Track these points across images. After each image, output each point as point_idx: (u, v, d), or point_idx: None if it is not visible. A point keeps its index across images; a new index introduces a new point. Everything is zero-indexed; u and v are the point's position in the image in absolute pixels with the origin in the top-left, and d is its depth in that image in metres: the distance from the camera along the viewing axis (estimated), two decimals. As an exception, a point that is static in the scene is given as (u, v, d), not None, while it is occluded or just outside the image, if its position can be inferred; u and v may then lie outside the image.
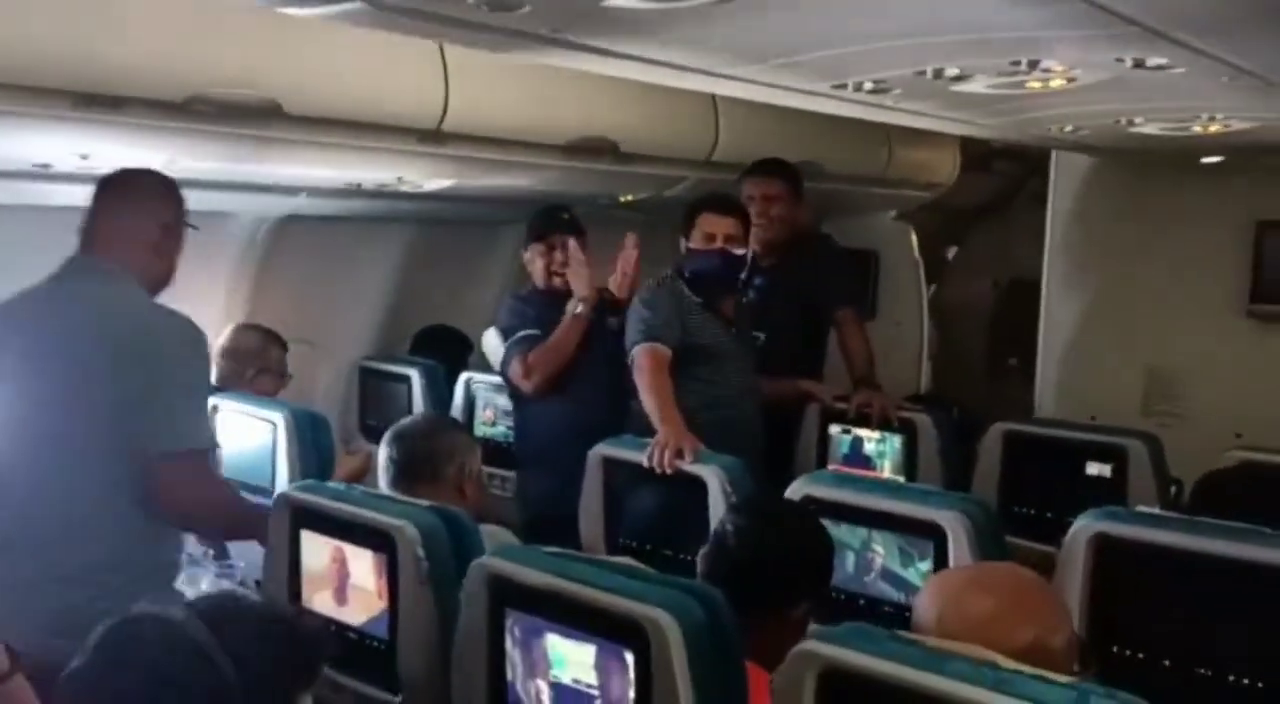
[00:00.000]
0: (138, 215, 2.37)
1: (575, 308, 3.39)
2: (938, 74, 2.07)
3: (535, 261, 3.57)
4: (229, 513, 2.38)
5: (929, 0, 1.54)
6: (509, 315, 3.51)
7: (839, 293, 3.84)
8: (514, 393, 3.59)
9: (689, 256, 3.35)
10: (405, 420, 2.64)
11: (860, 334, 3.78)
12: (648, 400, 2.99)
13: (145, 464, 2.17)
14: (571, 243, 3.46)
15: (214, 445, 2.45)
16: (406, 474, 2.45)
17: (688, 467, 2.63)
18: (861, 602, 2.33)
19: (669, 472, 2.64)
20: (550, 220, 3.57)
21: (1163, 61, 1.90)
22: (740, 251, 3.34)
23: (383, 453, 2.51)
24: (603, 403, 3.35)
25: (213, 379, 3.18)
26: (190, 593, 2.31)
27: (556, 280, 3.53)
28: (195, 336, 2.29)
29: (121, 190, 2.39)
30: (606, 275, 3.54)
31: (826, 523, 2.31)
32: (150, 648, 1.21)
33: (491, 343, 3.58)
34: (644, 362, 3.10)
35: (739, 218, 3.46)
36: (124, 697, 1.19)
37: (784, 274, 3.76)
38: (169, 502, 2.20)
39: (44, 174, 2.78)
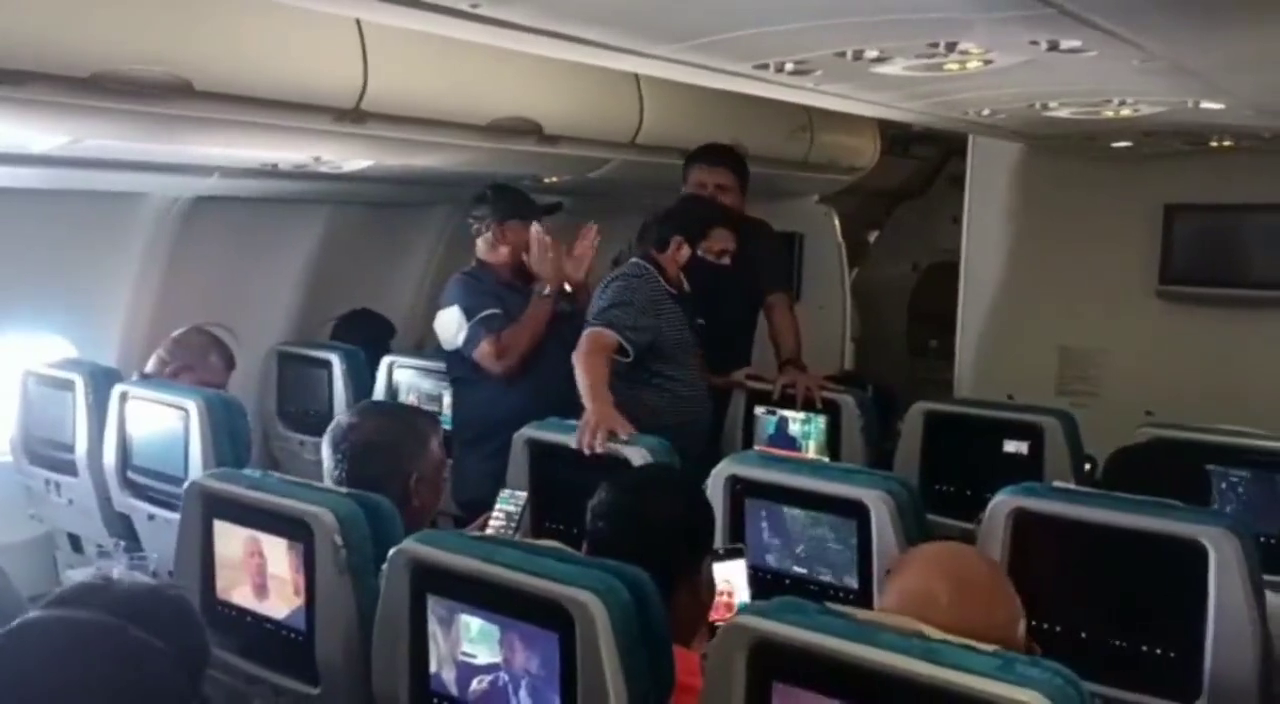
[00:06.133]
0: None
1: (542, 290, 3.39)
2: (858, 55, 2.08)
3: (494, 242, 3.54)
4: None
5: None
6: (469, 294, 3.45)
7: (772, 277, 3.88)
8: (456, 375, 3.54)
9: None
10: (349, 420, 2.33)
11: (791, 317, 3.82)
12: (581, 379, 2.98)
13: None
14: (536, 229, 3.44)
15: None
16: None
17: (614, 446, 2.61)
18: (787, 581, 2.35)
19: (599, 452, 2.61)
20: (516, 203, 3.56)
21: (1076, 44, 1.94)
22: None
23: (329, 459, 2.28)
24: (556, 387, 3.30)
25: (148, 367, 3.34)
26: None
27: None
28: None
29: None
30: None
31: (751, 502, 2.33)
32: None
33: (452, 320, 3.46)
34: (584, 342, 3.09)
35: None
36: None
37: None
38: None
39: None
